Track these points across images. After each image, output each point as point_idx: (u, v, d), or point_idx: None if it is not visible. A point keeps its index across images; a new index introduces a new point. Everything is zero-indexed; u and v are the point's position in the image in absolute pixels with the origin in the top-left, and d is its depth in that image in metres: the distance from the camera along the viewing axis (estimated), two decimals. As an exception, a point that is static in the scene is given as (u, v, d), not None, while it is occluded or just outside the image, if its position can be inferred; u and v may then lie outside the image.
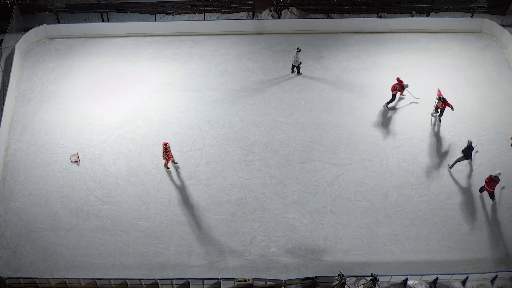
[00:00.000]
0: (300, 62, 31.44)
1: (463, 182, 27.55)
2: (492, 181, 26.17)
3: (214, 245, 25.73)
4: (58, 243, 25.80)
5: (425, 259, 25.39)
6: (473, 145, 27.42)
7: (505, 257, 25.33)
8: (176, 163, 28.06)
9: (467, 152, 27.40)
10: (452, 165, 27.88)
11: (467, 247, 25.64)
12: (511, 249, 25.52)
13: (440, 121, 29.63)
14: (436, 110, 29.72)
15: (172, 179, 27.73)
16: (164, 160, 27.79)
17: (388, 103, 30.28)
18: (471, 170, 27.87)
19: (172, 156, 27.71)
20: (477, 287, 24.80)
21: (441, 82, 31.22)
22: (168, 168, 28.00)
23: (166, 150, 27.15)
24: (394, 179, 27.77)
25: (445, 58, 32.67)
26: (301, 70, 31.88)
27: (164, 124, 29.74)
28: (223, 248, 25.63)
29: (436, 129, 29.38)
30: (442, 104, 28.89)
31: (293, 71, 31.90)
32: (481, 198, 26.94)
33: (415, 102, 30.33)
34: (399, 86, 29.69)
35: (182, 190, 27.42)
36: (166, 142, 27.15)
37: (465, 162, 28.02)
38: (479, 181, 27.29)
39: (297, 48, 30.91)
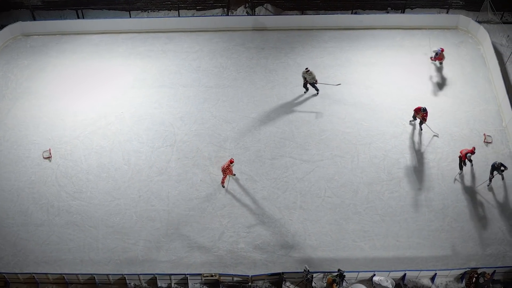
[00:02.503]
0: (315, 81, 30.33)
1: (435, 179, 27.52)
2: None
3: (182, 240, 25.76)
4: (28, 239, 25.85)
5: (394, 255, 25.37)
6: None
7: (474, 253, 25.32)
8: (235, 175, 27.70)
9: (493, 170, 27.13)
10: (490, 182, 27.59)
11: (436, 244, 25.66)
12: (481, 246, 25.53)
13: (421, 129, 29.30)
14: (414, 118, 29.39)
15: (142, 176, 27.77)
16: (223, 176, 27.24)
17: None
18: (442, 167, 27.89)
19: (232, 171, 27.43)
20: (446, 284, 24.84)
21: (415, 78, 31.46)
22: (224, 186, 27.57)
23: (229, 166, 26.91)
24: (365, 175, 27.80)
25: (420, 55, 32.67)
26: (313, 88, 30.72)
27: (137, 121, 29.81)
28: (191, 243, 25.66)
29: (408, 125, 29.33)
30: (423, 114, 28.54)
31: (306, 89, 30.84)
32: (452, 194, 26.89)
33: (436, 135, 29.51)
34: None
35: (152, 186, 27.47)
36: (233, 159, 27.02)
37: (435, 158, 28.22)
38: (451, 177, 27.33)
39: (306, 69, 30.10)
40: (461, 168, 27.51)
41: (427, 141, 28.81)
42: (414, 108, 28.75)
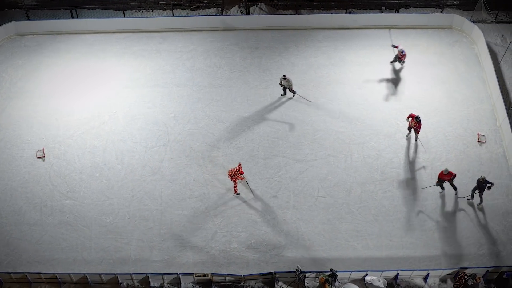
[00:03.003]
0: (288, 89, 30.31)
1: (428, 179, 27.46)
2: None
3: (175, 240, 25.75)
4: (21, 238, 25.82)
5: (387, 255, 25.34)
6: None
7: (468, 253, 25.28)
8: (243, 179, 27.10)
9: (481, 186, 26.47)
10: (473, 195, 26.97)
11: (430, 243, 25.62)
12: (474, 246, 25.52)
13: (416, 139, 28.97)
14: (410, 129, 29.05)
15: (136, 175, 27.76)
16: (233, 183, 26.96)
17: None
18: (435, 166, 27.81)
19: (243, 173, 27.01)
20: (439, 283, 24.82)
21: (409, 77, 31.46)
22: (239, 194, 27.31)
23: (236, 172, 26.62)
24: (358, 175, 27.78)
25: (414, 54, 32.53)
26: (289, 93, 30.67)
27: (130, 120, 29.79)
28: (184, 243, 25.65)
29: (402, 124, 29.22)
30: (416, 123, 28.03)
31: (283, 93, 30.75)
32: (446, 194, 26.88)
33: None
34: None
35: (145, 185, 27.44)
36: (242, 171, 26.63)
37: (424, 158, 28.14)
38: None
39: (283, 76, 29.75)
40: (442, 188, 27.09)
41: (420, 140, 28.68)
42: (409, 114, 28.31)
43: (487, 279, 24.58)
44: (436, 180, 26.65)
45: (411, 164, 27.95)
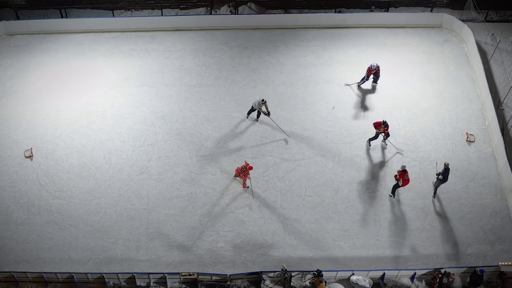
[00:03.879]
0: (260, 112, 29.28)
1: (416, 178, 27.44)
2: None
3: (162, 239, 25.77)
4: (8, 237, 25.83)
5: (374, 254, 25.38)
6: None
7: (455, 253, 25.35)
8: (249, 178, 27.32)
9: (445, 175, 26.49)
10: (435, 194, 27.06)
11: (417, 243, 25.65)
12: (461, 246, 25.56)
13: (386, 144, 28.78)
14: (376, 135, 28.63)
15: (123, 175, 27.76)
16: (242, 179, 27.16)
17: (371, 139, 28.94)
18: (424, 166, 27.87)
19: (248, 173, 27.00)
20: (425, 283, 24.82)
21: (397, 77, 31.41)
22: (248, 187, 27.40)
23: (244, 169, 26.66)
24: (346, 174, 27.77)
25: (404, 53, 32.68)
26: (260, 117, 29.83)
27: (118, 120, 29.75)
28: (171, 242, 25.68)
29: (390, 124, 28.97)
30: (385, 128, 27.88)
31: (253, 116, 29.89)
32: (433, 193, 27.00)
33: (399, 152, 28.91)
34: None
35: (132, 185, 27.44)
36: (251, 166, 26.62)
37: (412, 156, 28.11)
38: (432, 176, 27.21)
39: (262, 100, 28.62)
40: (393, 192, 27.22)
41: (408, 140, 28.77)
42: (373, 123, 27.88)
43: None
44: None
45: (399, 163, 27.76)
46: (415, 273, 24.45)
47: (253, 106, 29.00)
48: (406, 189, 27.02)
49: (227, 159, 28.24)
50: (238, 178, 27.31)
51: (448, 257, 25.24)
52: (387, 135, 28.26)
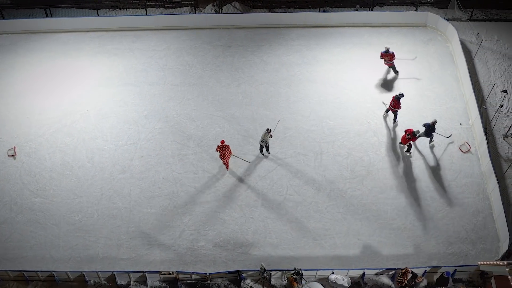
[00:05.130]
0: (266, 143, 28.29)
1: (397, 177, 27.55)
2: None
3: (143, 238, 25.85)
4: (-10, 236, 26.13)
5: (354, 253, 25.45)
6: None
7: (436, 252, 25.40)
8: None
9: (429, 131, 27.48)
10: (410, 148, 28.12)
11: (398, 242, 25.71)
12: (443, 245, 25.63)
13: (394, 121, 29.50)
14: (387, 111, 29.57)
15: (105, 173, 27.83)
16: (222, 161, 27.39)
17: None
18: (406, 165, 27.96)
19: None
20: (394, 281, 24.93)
21: (381, 76, 31.43)
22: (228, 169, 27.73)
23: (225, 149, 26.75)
24: (328, 173, 27.81)
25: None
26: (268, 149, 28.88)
27: (101, 119, 29.85)
28: (152, 241, 25.74)
29: (373, 123, 29.38)
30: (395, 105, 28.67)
31: (261, 151, 28.73)
32: (415, 192, 26.94)
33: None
34: (411, 135, 28.01)
35: (114, 184, 27.53)
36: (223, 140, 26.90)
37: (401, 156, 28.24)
38: (414, 176, 27.33)
39: (267, 129, 27.71)
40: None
41: (391, 139, 28.81)
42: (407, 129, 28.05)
43: (455, 278, 24.67)
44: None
45: (381, 163, 27.97)
46: (395, 272, 24.40)
47: (261, 142, 28.00)
48: (387, 188, 27.15)
49: (209, 158, 28.26)
50: (223, 161, 27.37)
51: (430, 256, 25.29)
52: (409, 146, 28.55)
